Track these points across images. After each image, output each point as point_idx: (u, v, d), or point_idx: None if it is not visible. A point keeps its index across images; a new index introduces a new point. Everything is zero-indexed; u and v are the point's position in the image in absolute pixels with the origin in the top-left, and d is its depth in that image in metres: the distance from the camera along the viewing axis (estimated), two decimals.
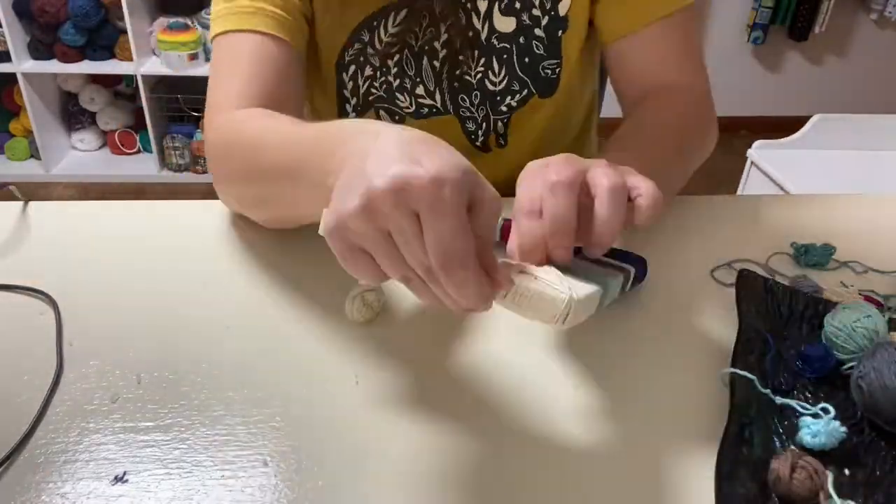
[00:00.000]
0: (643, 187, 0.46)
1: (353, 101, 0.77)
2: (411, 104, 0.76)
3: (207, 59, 2.59)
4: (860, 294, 0.60)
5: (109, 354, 0.53)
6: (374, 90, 0.75)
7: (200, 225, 0.69)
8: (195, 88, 2.68)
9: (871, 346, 0.50)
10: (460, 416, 0.48)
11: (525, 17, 0.73)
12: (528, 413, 0.49)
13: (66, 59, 2.54)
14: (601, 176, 0.45)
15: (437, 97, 0.76)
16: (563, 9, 0.73)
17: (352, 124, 0.46)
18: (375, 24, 0.72)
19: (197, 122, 2.76)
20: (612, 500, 0.43)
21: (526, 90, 0.76)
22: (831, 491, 0.41)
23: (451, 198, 0.36)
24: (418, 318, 0.57)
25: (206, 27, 2.55)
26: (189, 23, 2.55)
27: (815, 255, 0.65)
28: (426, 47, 0.73)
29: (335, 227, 0.38)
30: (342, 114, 0.78)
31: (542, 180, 0.45)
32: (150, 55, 2.62)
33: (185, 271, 0.62)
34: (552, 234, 0.44)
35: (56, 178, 2.74)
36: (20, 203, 0.71)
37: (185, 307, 0.58)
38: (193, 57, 2.53)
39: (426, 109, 0.77)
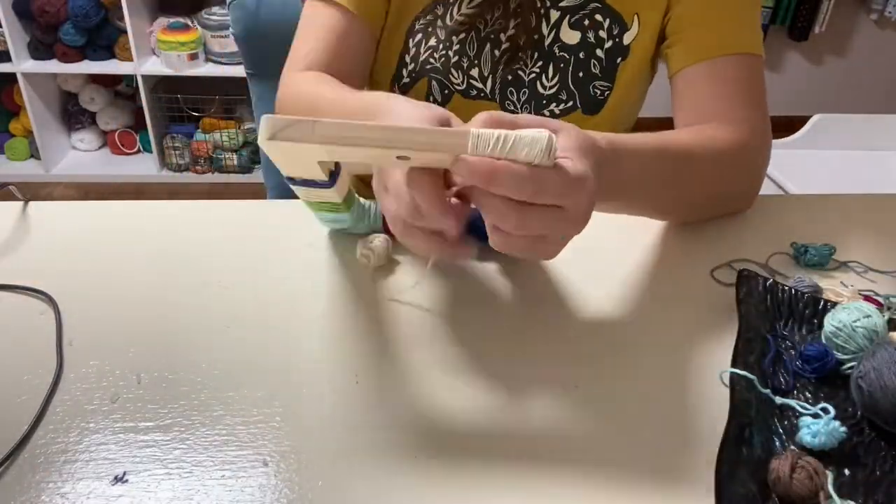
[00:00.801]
0: None
1: (411, 67, 0.80)
2: (463, 82, 0.79)
3: (207, 59, 2.60)
4: (860, 294, 0.60)
5: (109, 354, 0.53)
6: (432, 61, 0.79)
7: (200, 225, 0.69)
8: (195, 88, 2.68)
9: (871, 346, 0.50)
10: (460, 416, 0.48)
11: (591, 35, 0.76)
12: (528, 413, 0.49)
13: (66, 59, 2.54)
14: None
15: (488, 83, 0.79)
16: (627, 38, 0.76)
17: (387, 99, 0.55)
18: (452, 1, 0.76)
19: (197, 122, 2.76)
20: (612, 499, 0.43)
21: (572, 102, 0.79)
22: (831, 491, 0.41)
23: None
24: (419, 318, 0.57)
25: (206, 27, 2.55)
26: (189, 23, 2.55)
27: (815, 255, 0.65)
28: (492, 35, 0.77)
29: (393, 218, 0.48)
30: (397, 77, 0.81)
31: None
32: (150, 55, 2.62)
33: (185, 271, 0.62)
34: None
35: (56, 178, 2.73)
36: (20, 203, 0.71)
37: (185, 307, 0.58)
38: (193, 57, 2.53)
39: (475, 91, 0.80)
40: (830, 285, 0.61)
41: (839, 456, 0.45)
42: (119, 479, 0.43)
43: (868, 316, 0.52)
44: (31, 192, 0.70)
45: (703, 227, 0.71)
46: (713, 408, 0.49)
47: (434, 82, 0.79)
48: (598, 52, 0.76)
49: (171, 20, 2.54)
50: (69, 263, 0.62)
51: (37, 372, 0.51)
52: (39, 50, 2.53)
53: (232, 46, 2.50)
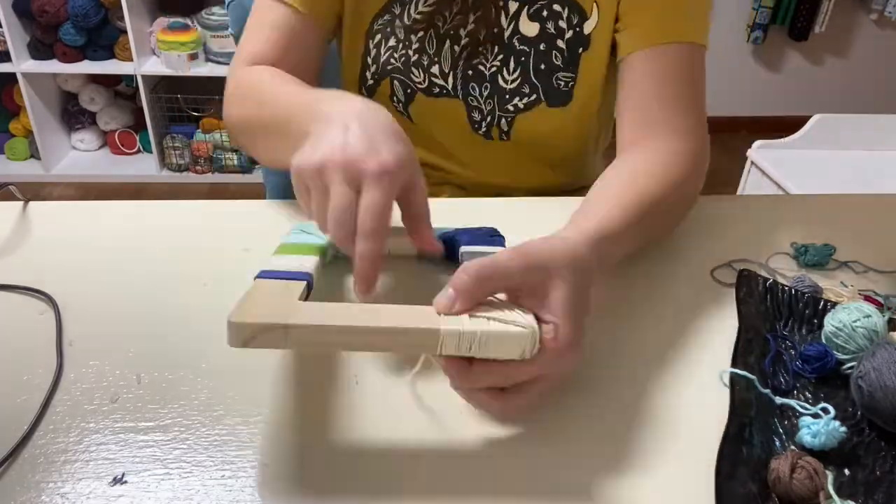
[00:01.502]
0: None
1: (373, 68, 0.80)
2: (424, 80, 0.79)
3: (207, 59, 2.60)
4: (860, 294, 0.60)
5: (109, 354, 0.53)
6: (392, 61, 0.78)
7: (200, 225, 0.69)
8: (195, 88, 2.68)
9: (870, 346, 0.50)
10: (460, 415, 0.48)
11: (550, 26, 0.75)
12: (528, 412, 0.49)
13: (66, 59, 2.54)
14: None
15: (450, 80, 0.78)
16: (587, 28, 0.75)
17: (340, 97, 0.56)
18: (407, 0, 0.76)
19: (197, 122, 2.76)
20: (612, 499, 0.43)
21: (535, 95, 0.78)
22: (831, 491, 0.41)
23: (388, 185, 0.47)
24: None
25: (206, 27, 2.55)
26: (189, 23, 2.55)
27: (815, 255, 0.65)
28: (451, 31, 0.76)
29: (295, 168, 0.50)
30: (362, 79, 0.81)
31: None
32: (150, 55, 2.62)
33: (185, 271, 0.62)
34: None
35: (56, 178, 2.74)
36: (20, 203, 0.71)
37: (185, 307, 0.58)
38: (193, 57, 2.53)
39: (437, 89, 0.79)
40: (830, 285, 0.61)
41: (839, 456, 0.45)
42: (118, 481, 0.43)
43: (868, 316, 0.52)
44: (31, 192, 0.70)
45: (703, 227, 0.71)
46: (713, 408, 0.49)
47: (396, 82, 0.79)
48: (559, 43, 0.75)
49: (171, 20, 2.54)
50: (69, 263, 0.62)
51: (37, 372, 0.51)
52: (39, 50, 2.53)
53: (232, 46, 2.50)
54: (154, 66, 2.57)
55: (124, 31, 2.49)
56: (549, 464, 0.45)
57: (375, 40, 0.78)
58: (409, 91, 0.79)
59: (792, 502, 0.42)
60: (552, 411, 0.49)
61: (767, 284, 0.59)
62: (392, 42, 0.77)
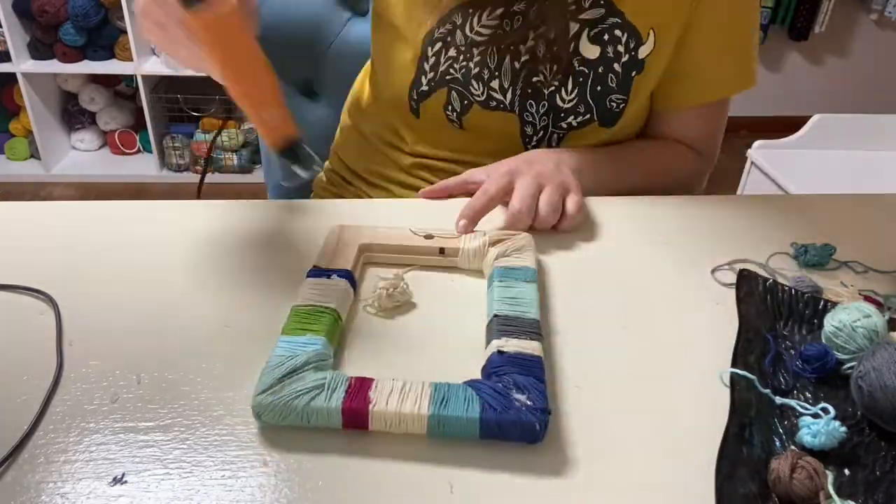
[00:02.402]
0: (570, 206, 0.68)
1: (430, 75, 0.80)
2: (483, 94, 0.79)
3: None
4: (860, 294, 0.60)
5: (109, 354, 0.53)
6: (452, 71, 0.79)
7: (200, 225, 0.69)
8: (195, 88, 2.68)
9: (870, 346, 0.50)
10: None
11: (609, 50, 0.76)
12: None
13: (66, 59, 2.54)
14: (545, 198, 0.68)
15: (508, 95, 0.79)
16: (642, 53, 0.76)
17: None
18: (471, 10, 0.76)
19: (197, 122, 2.76)
20: (611, 499, 0.43)
21: (589, 115, 0.79)
22: (831, 491, 0.41)
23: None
24: (419, 317, 0.57)
25: None
26: None
27: (815, 255, 0.65)
28: (512, 47, 0.77)
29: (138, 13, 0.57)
30: (415, 84, 0.81)
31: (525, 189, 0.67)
32: (150, 55, 2.62)
33: (185, 271, 0.62)
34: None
35: (56, 178, 2.74)
36: (20, 203, 0.71)
37: (184, 307, 0.58)
38: None
39: (494, 103, 0.80)
40: (830, 285, 0.61)
41: (839, 456, 0.45)
42: (118, 480, 0.43)
43: (868, 316, 0.52)
44: (31, 192, 0.70)
45: (703, 227, 0.71)
46: (713, 408, 0.49)
47: (454, 93, 0.79)
48: (616, 66, 0.77)
49: None
50: (69, 263, 0.62)
51: (37, 372, 0.51)
52: (39, 50, 2.54)
53: None
54: (154, 66, 2.57)
55: (124, 31, 2.49)
56: (547, 462, 0.45)
57: (436, 48, 0.78)
58: (465, 102, 0.80)
59: (792, 502, 0.42)
60: (551, 409, 0.49)
61: (767, 284, 0.59)
62: (452, 52, 0.77)
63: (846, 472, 0.44)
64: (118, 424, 0.47)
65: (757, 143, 1.87)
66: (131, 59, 2.51)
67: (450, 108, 0.80)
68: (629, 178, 0.81)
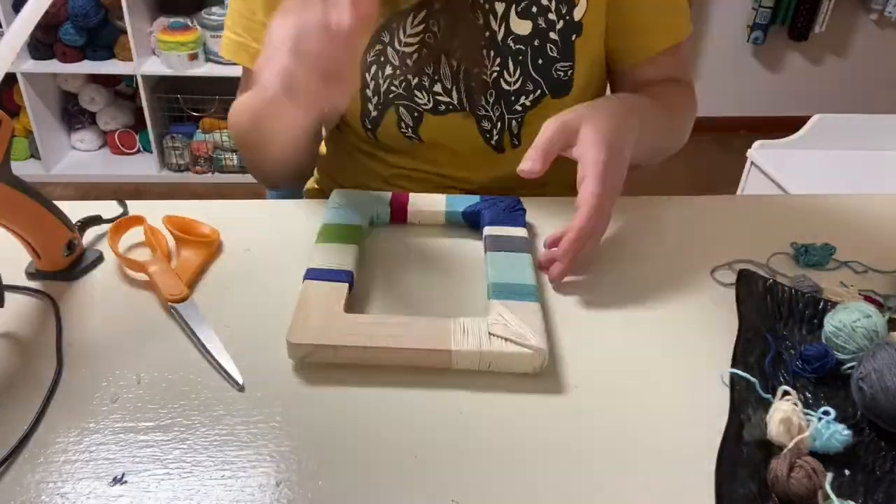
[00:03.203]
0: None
1: (375, 100, 0.79)
2: (429, 101, 0.78)
3: (207, 59, 2.60)
4: (860, 294, 0.60)
5: (109, 354, 0.53)
6: (393, 88, 0.77)
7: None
8: (195, 88, 2.67)
9: (870, 346, 0.50)
10: (459, 415, 0.48)
11: (541, 20, 0.75)
12: (528, 412, 0.49)
13: (66, 59, 2.54)
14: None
15: (454, 95, 0.78)
16: (577, 14, 0.75)
17: None
18: (395, 26, 0.74)
19: (197, 122, 2.76)
20: (611, 499, 0.43)
21: (539, 90, 0.78)
22: (829, 490, 0.41)
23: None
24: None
25: (206, 27, 2.55)
26: (189, 23, 2.55)
27: (815, 255, 0.65)
28: (444, 46, 0.75)
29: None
30: (365, 112, 0.80)
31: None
32: (150, 55, 2.62)
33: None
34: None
35: (56, 178, 2.73)
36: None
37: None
38: (193, 57, 2.53)
39: (443, 107, 0.78)
40: (830, 285, 0.61)
41: (839, 456, 0.45)
42: (118, 480, 0.43)
43: (868, 316, 0.52)
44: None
45: (702, 227, 0.71)
46: (713, 408, 0.49)
47: (402, 109, 0.78)
48: (552, 35, 0.75)
49: (171, 20, 2.54)
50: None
51: (37, 372, 0.51)
52: (39, 50, 2.53)
53: None
54: (154, 66, 2.57)
55: (124, 31, 2.48)
56: (547, 462, 0.45)
57: (372, 72, 0.77)
58: (416, 114, 0.79)
59: (791, 502, 0.42)
60: (551, 409, 0.49)
61: (767, 284, 0.59)
62: (388, 70, 0.76)
63: (846, 472, 0.44)
64: (118, 424, 0.47)
65: (757, 143, 1.87)
66: (131, 59, 2.50)
67: (403, 124, 0.79)
68: (663, 121, 0.78)
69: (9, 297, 0.58)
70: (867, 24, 3.13)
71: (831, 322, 0.53)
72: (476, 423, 0.48)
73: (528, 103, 0.78)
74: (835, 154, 1.85)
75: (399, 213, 0.70)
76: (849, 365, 0.51)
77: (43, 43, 2.53)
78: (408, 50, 0.75)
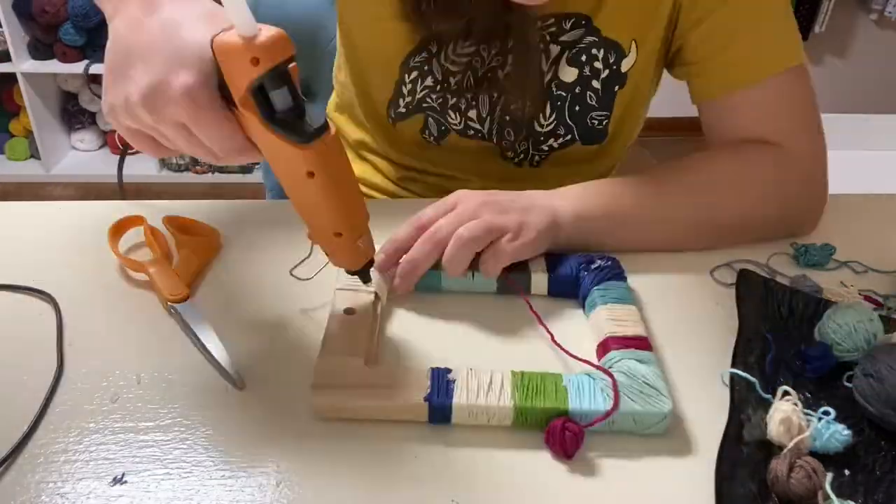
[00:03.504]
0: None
1: (408, 100, 0.77)
2: (460, 123, 0.77)
3: None
4: (860, 294, 0.60)
5: (109, 354, 0.53)
6: (429, 100, 0.76)
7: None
8: None
9: (870, 346, 0.50)
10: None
11: (587, 69, 0.72)
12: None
13: (66, 59, 2.54)
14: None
15: (486, 125, 0.77)
16: (625, 66, 0.73)
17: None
18: (446, 39, 0.72)
19: None
20: (611, 499, 0.43)
21: (570, 136, 0.77)
22: (829, 490, 0.41)
23: (206, 106, 0.43)
24: (418, 316, 0.57)
25: None
26: None
27: (815, 255, 0.65)
28: (489, 74, 0.73)
29: (108, 114, 0.47)
30: (393, 105, 0.79)
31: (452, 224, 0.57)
32: None
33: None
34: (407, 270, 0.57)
35: (56, 178, 2.73)
36: (20, 203, 0.71)
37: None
38: None
39: (472, 132, 0.78)
40: (830, 285, 0.61)
41: (839, 456, 0.45)
42: (118, 480, 0.43)
43: (868, 317, 0.52)
44: (31, 192, 0.70)
45: None
46: (713, 408, 0.49)
47: (431, 119, 0.78)
48: (594, 84, 0.73)
49: None
50: (69, 263, 0.62)
51: (37, 372, 0.51)
52: (39, 50, 2.53)
53: None
54: None
55: None
56: (547, 462, 0.45)
57: (412, 76, 0.75)
58: (443, 129, 0.78)
59: (791, 502, 0.42)
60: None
61: (767, 284, 0.59)
62: (429, 81, 0.75)
63: (846, 472, 0.44)
64: (118, 424, 0.47)
65: None
66: None
67: (426, 132, 0.79)
68: (677, 212, 0.65)
69: (9, 296, 0.59)
70: (867, 24, 3.13)
71: (833, 319, 0.53)
72: (475, 425, 0.48)
73: (556, 146, 0.78)
74: (835, 154, 1.84)
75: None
76: (849, 364, 0.51)
77: (43, 43, 2.53)
78: (453, 69, 0.73)
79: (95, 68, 2.56)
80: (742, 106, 0.68)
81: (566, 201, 0.62)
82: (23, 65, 2.52)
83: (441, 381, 0.47)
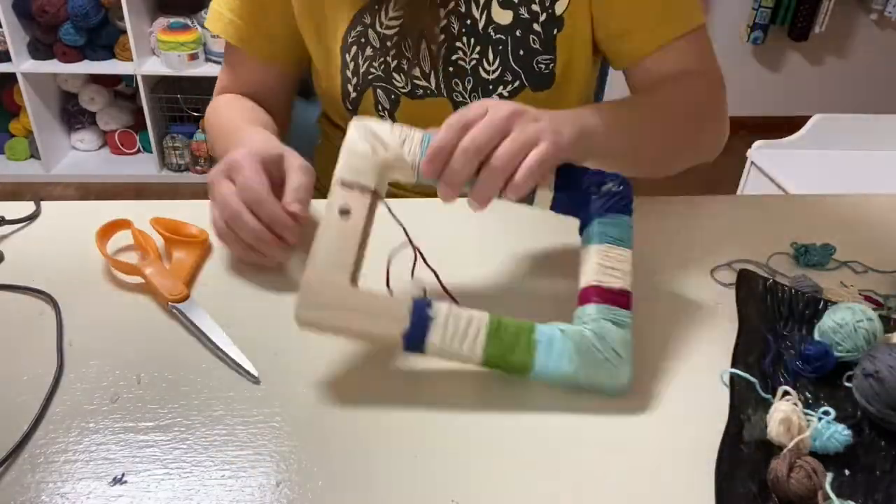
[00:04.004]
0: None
1: (354, 81, 0.79)
2: (407, 84, 0.78)
3: (207, 59, 2.59)
4: (860, 294, 0.60)
5: (109, 354, 0.53)
6: (373, 70, 0.78)
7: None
8: (195, 88, 2.67)
9: (869, 346, 0.50)
10: (459, 416, 0.48)
11: (523, 11, 0.74)
12: (528, 412, 0.49)
13: (66, 59, 2.54)
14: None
15: (432, 80, 0.78)
16: (559, 8, 0.75)
17: (244, 138, 0.68)
18: (377, 7, 0.75)
19: (197, 122, 2.76)
20: (611, 499, 0.43)
21: (518, 81, 0.78)
22: (829, 490, 0.41)
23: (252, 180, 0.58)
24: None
25: (206, 27, 2.55)
26: (189, 23, 2.55)
27: (815, 255, 0.65)
28: (424, 30, 0.75)
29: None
30: (345, 94, 0.80)
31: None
32: (150, 55, 2.62)
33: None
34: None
35: (56, 178, 2.73)
36: (20, 203, 0.71)
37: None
38: (193, 57, 2.53)
39: (420, 91, 0.79)
40: (830, 285, 0.61)
41: (839, 456, 0.45)
42: (118, 480, 0.43)
43: (868, 317, 0.52)
44: (31, 192, 0.70)
45: (703, 227, 0.71)
46: (713, 408, 0.49)
47: (379, 90, 0.79)
48: (535, 27, 0.75)
49: (171, 20, 2.54)
50: (69, 263, 0.62)
51: (37, 372, 0.51)
52: (39, 50, 2.53)
53: None
54: (154, 66, 2.57)
55: (124, 31, 2.48)
56: (547, 462, 0.45)
57: (352, 53, 0.77)
58: (392, 97, 0.79)
59: (791, 502, 0.42)
60: (551, 409, 0.49)
61: (767, 284, 0.59)
62: (369, 52, 0.77)
63: (846, 472, 0.44)
64: (118, 424, 0.47)
65: (757, 143, 1.87)
66: (131, 59, 2.50)
67: (379, 106, 0.80)
68: (654, 126, 0.70)
69: (9, 296, 0.58)
70: (867, 24, 3.13)
71: (832, 318, 0.53)
72: (476, 425, 0.48)
73: (505, 93, 0.78)
74: (835, 154, 1.85)
75: None
76: (849, 364, 0.51)
77: (43, 43, 2.53)
78: (388, 32, 0.75)
79: (95, 67, 2.56)
80: (656, 67, 0.76)
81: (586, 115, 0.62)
82: (23, 65, 2.52)
83: (420, 316, 0.49)
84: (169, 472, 0.44)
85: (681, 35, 0.74)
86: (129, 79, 2.73)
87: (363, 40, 0.77)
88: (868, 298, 0.59)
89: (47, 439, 0.46)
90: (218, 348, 0.52)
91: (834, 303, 0.56)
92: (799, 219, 0.73)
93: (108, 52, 2.59)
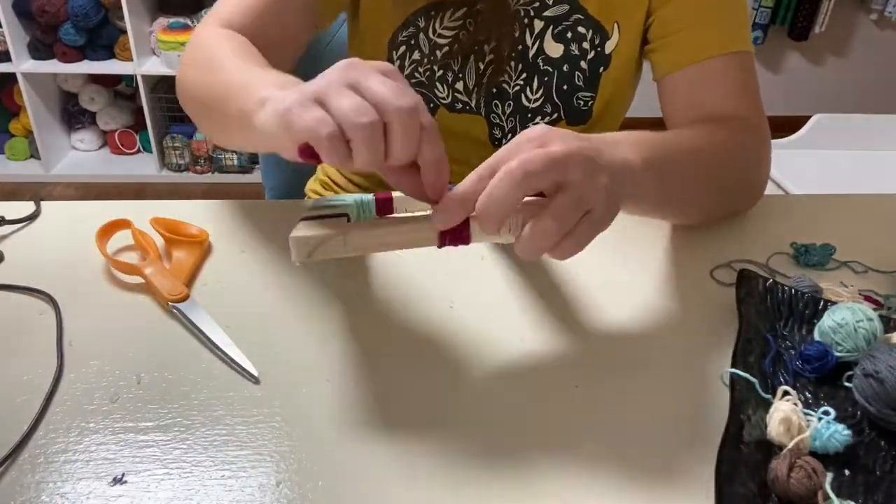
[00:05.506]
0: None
1: None
2: (448, 96, 0.78)
3: None
4: (860, 294, 0.60)
5: (109, 354, 0.53)
6: (417, 75, 0.78)
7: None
8: None
9: (869, 346, 0.50)
10: (460, 416, 0.48)
11: (574, 47, 0.75)
12: (528, 412, 0.49)
13: (66, 59, 2.54)
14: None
15: (473, 97, 0.78)
16: (608, 48, 0.75)
17: (279, 79, 0.50)
18: (433, 13, 0.75)
19: None
20: (612, 499, 0.43)
21: (557, 114, 0.78)
22: (829, 490, 0.41)
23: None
24: (419, 316, 0.57)
25: None
26: (189, 23, 2.55)
27: (815, 255, 0.65)
28: (476, 47, 0.75)
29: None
30: None
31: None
32: (150, 55, 2.62)
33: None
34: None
35: (56, 178, 2.73)
36: (20, 203, 0.71)
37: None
38: None
39: (460, 105, 0.79)
40: (830, 285, 0.61)
41: (839, 456, 0.45)
42: (118, 480, 0.43)
43: (868, 317, 0.52)
44: (31, 192, 0.70)
45: (702, 226, 0.71)
46: (713, 408, 0.49)
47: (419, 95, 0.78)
48: (582, 64, 0.76)
49: (171, 20, 2.54)
50: (69, 263, 0.62)
51: (37, 372, 0.51)
52: (39, 50, 2.53)
53: None
54: (154, 66, 2.57)
55: (124, 31, 2.48)
56: (548, 463, 0.45)
57: (399, 52, 0.77)
58: (431, 105, 0.79)
59: (791, 502, 0.42)
60: (551, 409, 0.49)
61: (767, 284, 0.59)
62: (416, 55, 0.77)
63: (846, 472, 0.44)
64: (118, 424, 0.47)
65: None
66: (131, 59, 2.50)
67: None
68: (699, 185, 0.65)
69: (9, 296, 0.58)
70: (867, 24, 3.13)
71: (832, 317, 0.53)
72: (475, 424, 0.48)
73: (542, 123, 0.78)
74: (835, 154, 1.85)
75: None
76: (848, 364, 0.51)
77: (43, 43, 2.53)
78: (440, 41, 0.75)
79: (95, 67, 2.56)
80: (693, 82, 0.72)
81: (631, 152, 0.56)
82: (23, 65, 2.52)
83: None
84: (169, 472, 0.44)
85: (727, 53, 0.71)
86: (129, 79, 2.73)
87: (413, 42, 0.76)
88: (868, 298, 0.59)
89: (47, 439, 0.46)
90: (218, 348, 0.52)
91: (834, 303, 0.56)
92: (799, 219, 0.73)
93: (108, 52, 2.59)
